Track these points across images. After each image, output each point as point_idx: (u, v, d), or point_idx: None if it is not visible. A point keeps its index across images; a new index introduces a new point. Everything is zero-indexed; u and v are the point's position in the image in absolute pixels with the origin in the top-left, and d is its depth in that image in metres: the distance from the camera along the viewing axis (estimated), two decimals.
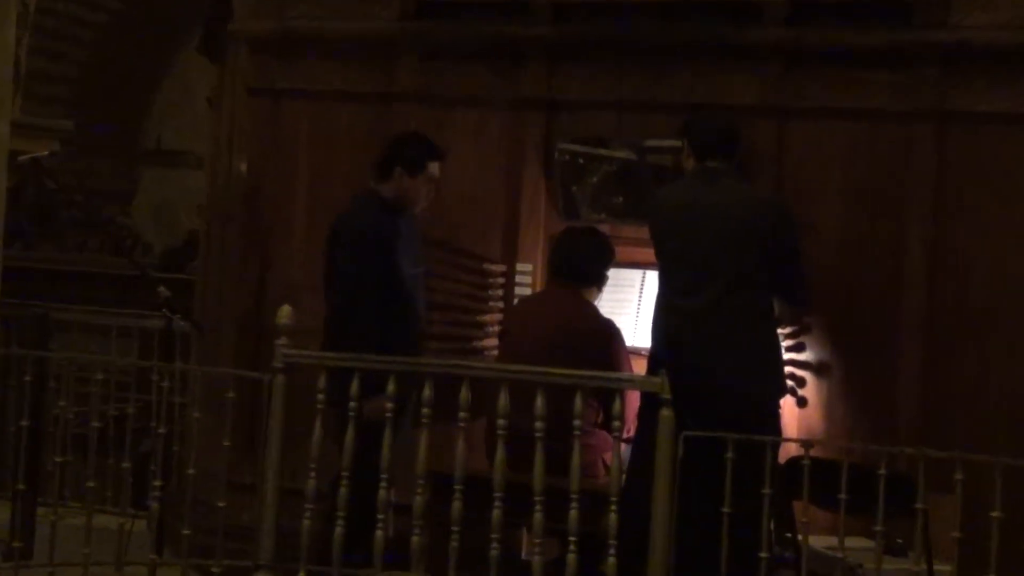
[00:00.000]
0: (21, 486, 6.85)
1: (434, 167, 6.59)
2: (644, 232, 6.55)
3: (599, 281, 6.62)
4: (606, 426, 5.92)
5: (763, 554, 5.35)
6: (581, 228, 6.80)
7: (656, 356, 5.95)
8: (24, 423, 6.69)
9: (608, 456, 5.98)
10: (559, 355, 6.12)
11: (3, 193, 8.78)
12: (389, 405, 5.66)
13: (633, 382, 5.89)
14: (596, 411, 6.07)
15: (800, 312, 6.23)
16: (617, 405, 5.59)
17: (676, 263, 6.01)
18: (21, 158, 11.92)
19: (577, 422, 5.53)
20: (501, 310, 7.01)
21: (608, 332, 6.45)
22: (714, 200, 6.00)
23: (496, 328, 6.92)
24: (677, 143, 6.55)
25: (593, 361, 6.09)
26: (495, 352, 6.77)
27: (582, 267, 6.60)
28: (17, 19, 9.03)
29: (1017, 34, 6.40)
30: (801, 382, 6.47)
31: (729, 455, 5.35)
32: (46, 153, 12.85)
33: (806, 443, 5.43)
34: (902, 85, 6.57)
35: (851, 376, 6.43)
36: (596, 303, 6.60)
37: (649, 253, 6.31)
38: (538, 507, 5.51)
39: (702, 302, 5.89)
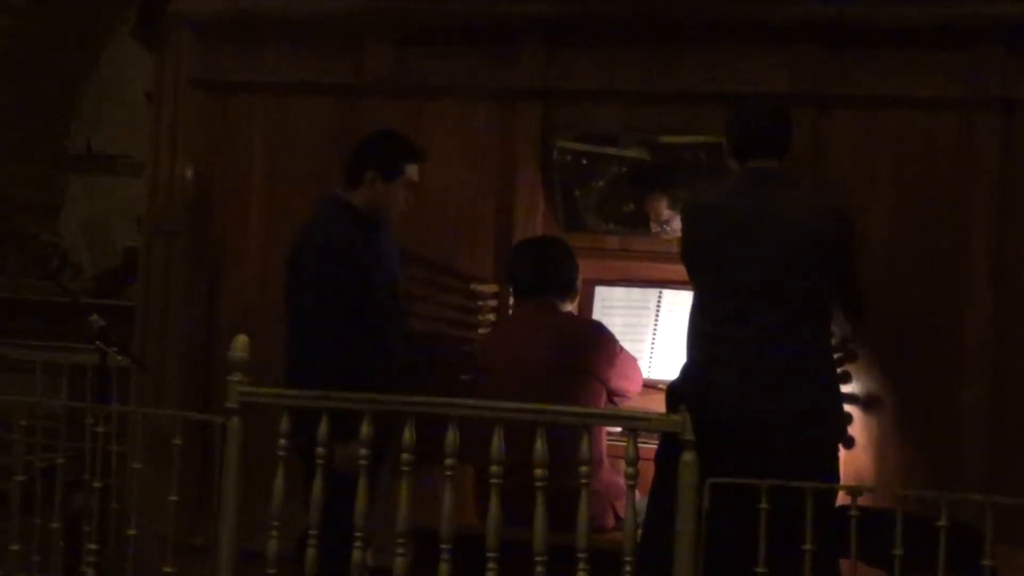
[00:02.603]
0: None
1: (412, 170, 6.61)
2: (659, 245, 6.58)
3: (575, 291, 6.70)
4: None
5: None
6: (538, 239, 6.86)
7: (678, 391, 5.88)
8: None
9: (619, 505, 6.01)
10: (560, 379, 6.24)
11: None
12: (363, 451, 5.69)
13: (650, 421, 5.90)
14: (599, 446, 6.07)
15: (854, 329, 6.15)
16: (631, 449, 5.61)
17: (720, 283, 5.86)
18: None
19: (584, 468, 5.56)
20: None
21: (606, 333, 6.56)
22: (766, 208, 5.86)
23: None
24: (697, 139, 6.59)
25: (598, 368, 6.33)
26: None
27: (559, 278, 6.63)
28: None
29: None
30: (847, 418, 6.48)
31: (762, 506, 5.38)
32: None
33: (854, 490, 5.43)
34: (961, 68, 6.63)
35: (905, 411, 6.48)
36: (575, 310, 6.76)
37: (665, 269, 6.35)
38: (540, 568, 5.54)
39: (756, 330, 5.76)
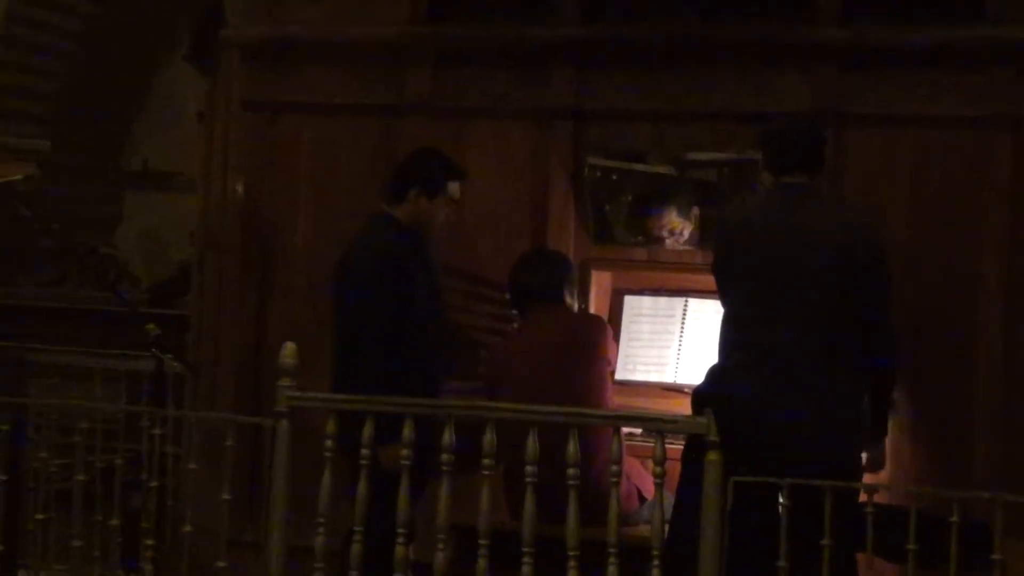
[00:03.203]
0: None
1: (454, 188, 6.63)
2: (685, 256, 6.59)
3: (570, 286, 6.76)
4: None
5: None
6: (535, 251, 6.95)
7: (704, 395, 5.86)
8: (2, 477, 6.76)
9: (642, 485, 6.04)
10: (572, 359, 6.38)
11: None
12: (405, 452, 5.72)
13: (676, 423, 5.91)
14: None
15: (887, 379, 5.93)
16: (659, 449, 5.63)
17: (750, 293, 5.82)
18: None
19: (615, 467, 5.59)
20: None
21: (603, 320, 6.74)
22: (799, 222, 5.81)
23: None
24: (723, 156, 6.60)
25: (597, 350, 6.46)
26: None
27: (550, 281, 6.70)
28: None
29: None
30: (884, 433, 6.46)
31: (782, 502, 5.39)
32: (20, 177, 12.91)
33: (870, 488, 5.45)
34: (975, 88, 6.62)
35: (920, 414, 6.45)
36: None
37: (691, 279, 6.36)
38: (572, 563, 5.56)
39: (786, 339, 5.71)
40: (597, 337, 6.52)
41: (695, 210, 6.90)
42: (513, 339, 6.89)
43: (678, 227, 6.87)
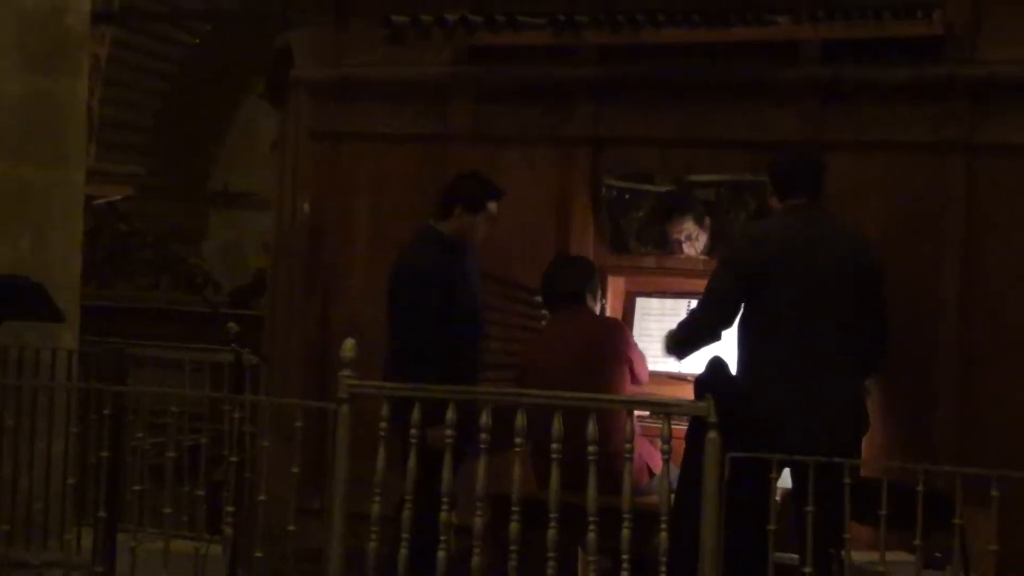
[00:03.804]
0: (102, 514, 6.90)
1: (493, 206, 6.63)
2: (688, 264, 6.57)
3: (595, 290, 6.72)
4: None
5: (807, 569, 5.37)
6: (564, 257, 6.90)
7: (705, 383, 5.84)
8: (104, 454, 6.76)
9: (652, 463, 6.01)
10: (595, 358, 6.31)
11: (80, 236, 8.88)
12: (448, 432, 5.72)
13: (681, 407, 5.90)
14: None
15: (874, 370, 6.02)
16: (666, 429, 5.61)
17: (788, 298, 5.73)
18: (97, 202, 12.04)
19: (628, 445, 5.57)
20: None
21: (623, 326, 6.66)
22: (814, 237, 5.80)
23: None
24: (721, 177, 6.58)
25: (618, 353, 6.38)
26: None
27: (575, 285, 6.67)
28: (89, 71, 9.14)
29: None
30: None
31: (772, 475, 5.37)
32: (120, 197, 12.95)
33: (850, 463, 5.43)
34: (933, 118, 6.58)
35: (890, 399, 6.40)
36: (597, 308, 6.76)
37: (694, 284, 6.31)
38: (592, 527, 5.55)
39: (820, 338, 5.69)
40: (616, 342, 6.48)
41: (706, 220, 6.87)
42: (542, 334, 6.88)
43: (695, 234, 6.84)
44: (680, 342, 6.01)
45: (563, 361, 6.29)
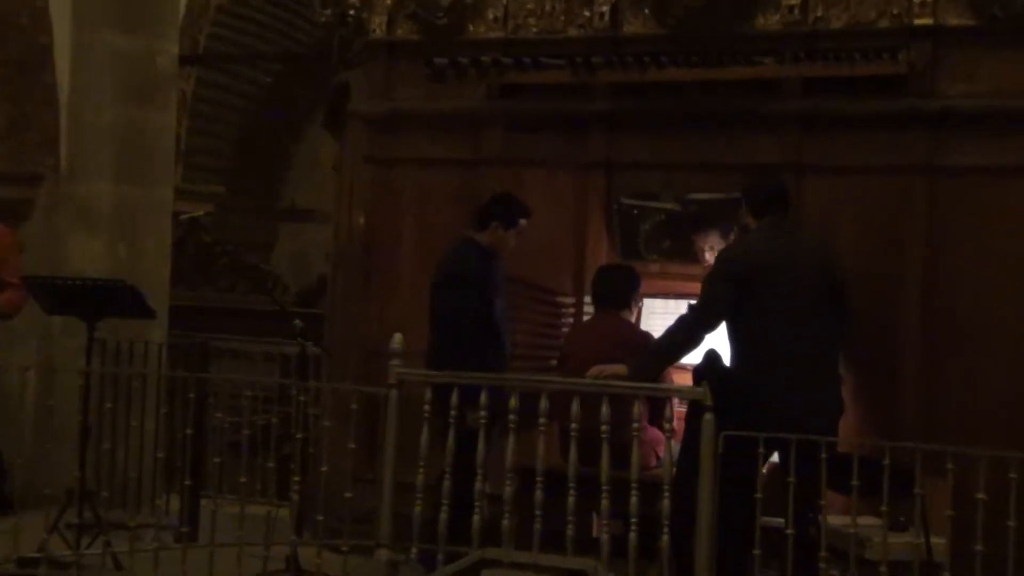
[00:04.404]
0: (187, 482, 6.93)
1: (523, 222, 6.64)
2: (689, 269, 6.56)
3: (631, 302, 6.70)
4: (653, 422, 5.96)
5: (789, 531, 5.36)
6: (613, 264, 6.85)
7: (702, 371, 5.81)
8: (189, 431, 6.78)
9: (659, 449, 6.00)
10: (620, 357, 6.18)
11: (169, 245, 8.92)
12: (483, 413, 5.72)
13: (681, 391, 5.90)
14: (647, 409, 6.05)
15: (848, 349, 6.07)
16: (668, 411, 5.62)
17: (772, 309, 5.77)
18: (183, 217, 12.08)
19: (636, 424, 5.57)
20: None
21: (648, 337, 6.55)
22: (792, 249, 5.86)
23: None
24: (715, 196, 6.56)
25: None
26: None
27: (620, 295, 6.67)
28: (177, 104, 9.18)
29: (993, 101, 6.40)
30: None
31: (760, 451, 5.36)
32: (203, 213, 12.99)
33: (826, 440, 5.42)
34: (899, 145, 6.55)
35: (860, 385, 6.36)
36: (635, 319, 6.73)
37: (692, 287, 6.29)
38: (605, 494, 5.55)
39: (808, 341, 5.73)
40: (640, 348, 6.43)
41: (731, 235, 6.80)
42: (582, 327, 6.89)
43: (717, 245, 6.81)
44: (675, 345, 6.01)
45: (596, 354, 6.27)
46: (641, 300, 6.83)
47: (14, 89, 8.23)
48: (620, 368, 5.75)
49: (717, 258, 6.07)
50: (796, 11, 6.68)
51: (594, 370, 6.03)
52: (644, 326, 6.81)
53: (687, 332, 5.94)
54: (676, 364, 6.36)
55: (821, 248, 5.97)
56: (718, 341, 5.98)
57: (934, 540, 5.48)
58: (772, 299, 5.76)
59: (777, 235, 5.91)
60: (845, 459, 5.41)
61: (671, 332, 6.07)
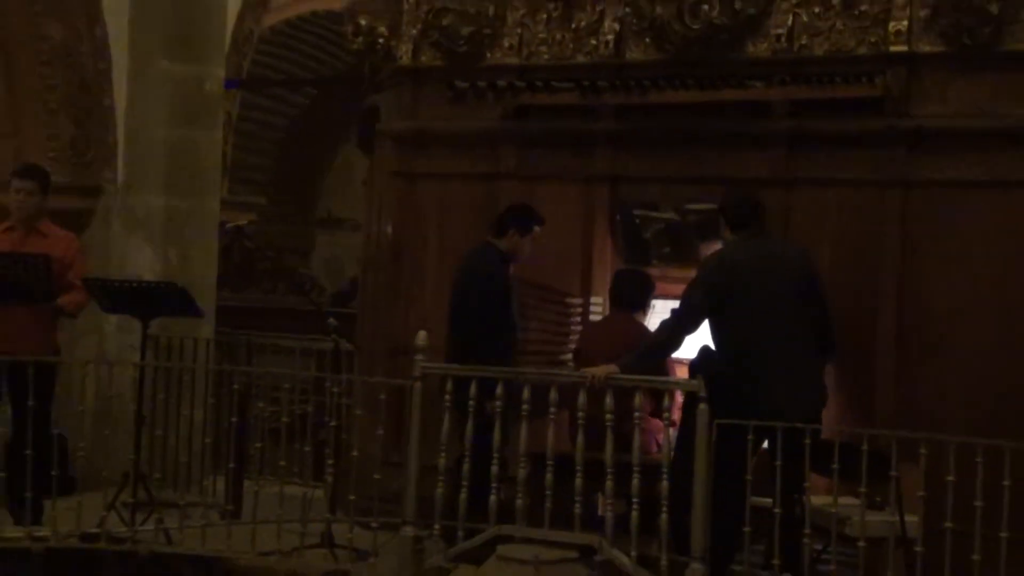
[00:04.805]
0: (232, 465, 6.97)
1: (538, 230, 6.66)
2: (686, 273, 6.55)
3: (646, 306, 6.68)
4: (656, 415, 5.97)
5: (776, 510, 5.37)
6: (631, 269, 6.85)
7: (697, 366, 5.80)
8: (233, 419, 6.82)
9: (659, 437, 6.02)
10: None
11: (215, 251, 8.95)
12: (498, 403, 5.74)
13: (678, 383, 5.91)
14: (651, 403, 6.06)
15: (831, 359, 6.01)
16: (667, 401, 5.63)
17: (746, 311, 5.73)
18: (228, 225, 12.10)
19: (637, 413, 5.59)
20: (577, 334, 7.01)
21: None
22: (766, 256, 5.83)
23: (573, 345, 6.93)
24: (708, 207, 6.55)
25: None
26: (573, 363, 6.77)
27: (635, 298, 6.67)
28: (223, 124, 9.22)
29: (962, 121, 6.37)
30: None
31: (750, 437, 5.36)
32: (246, 222, 13.01)
33: (810, 428, 5.43)
34: (876, 160, 6.52)
35: (842, 379, 6.35)
36: (645, 322, 6.68)
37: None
38: (609, 477, 5.57)
39: (781, 339, 5.69)
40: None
41: None
42: (597, 325, 6.88)
43: None
44: (659, 346, 6.01)
45: (607, 352, 6.27)
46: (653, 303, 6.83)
47: (77, 111, 8.28)
48: (612, 367, 5.74)
49: (698, 268, 6.05)
50: (783, 39, 6.66)
51: (587, 371, 5.99)
52: (648, 325, 6.82)
53: (669, 335, 5.93)
54: (675, 359, 6.37)
55: (798, 257, 5.91)
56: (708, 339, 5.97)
57: (908, 518, 5.49)
58: (748, 303, 5.74)
59: (752, 246, 5.88)
60: (827, 445, 5.42)
61: (655, 335, 6.10)
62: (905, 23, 6.41)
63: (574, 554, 5.43)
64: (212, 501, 7.18)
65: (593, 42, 7.10)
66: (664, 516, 5.47)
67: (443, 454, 5.87)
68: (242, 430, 7.08)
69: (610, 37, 7.04)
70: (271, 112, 15.86)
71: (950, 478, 5.06)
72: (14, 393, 6.47)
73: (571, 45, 7.16)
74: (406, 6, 7.45)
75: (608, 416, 5.57)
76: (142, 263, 8.29)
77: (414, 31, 7.44)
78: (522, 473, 5.72)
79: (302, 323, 9.76)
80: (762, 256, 5.84)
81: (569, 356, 6.86)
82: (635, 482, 5.51)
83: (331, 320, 7.22)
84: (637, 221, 7.03)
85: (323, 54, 15.55)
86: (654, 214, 7.02)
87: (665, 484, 5.50)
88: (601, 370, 5.76)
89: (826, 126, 6.64)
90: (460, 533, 5.77)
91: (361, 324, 8.28)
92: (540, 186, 7.18)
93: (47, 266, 6.58)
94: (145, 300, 6.86)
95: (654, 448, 6.13)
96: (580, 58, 7.13)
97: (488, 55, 7.34)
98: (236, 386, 6.91)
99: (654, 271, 7.00)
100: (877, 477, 5.37)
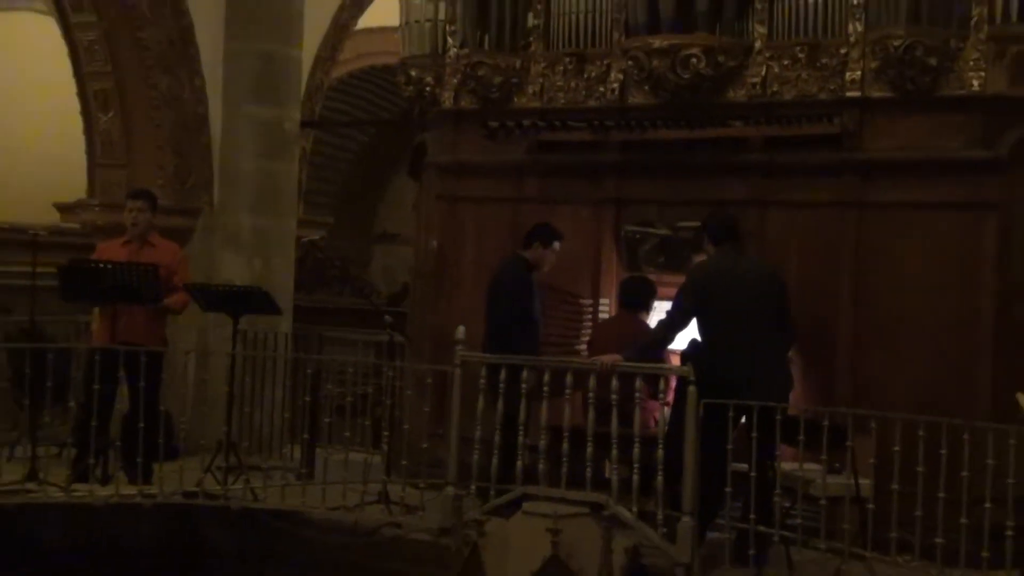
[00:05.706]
0: (306, 435, 7.00)
1: (558, 244, 6.67)
2: (677, 279, 6.54)
3: (649, 307, 6.66)
4: (653, 396, 5.96)
5: (752, 473, 5.35)
6: (637, 276, 6.83)
7: (687, 355, 5.78)
8: (307, 398, 6.84)
9: (656, 414, 6.01)
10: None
11: (293, 261, 8.98)
12: (524, 386, 5.74)
13: (671, 370, 5.89)
14: (649, 386, 6.04)
15: (791, 343, 6.04)
16: (663, 384, 5.60)
17: (724, 312, 5.72)
18: (303, 240, 12.13)
19: (638, 395, 5.57)
20: (589, 328, 7.01)
21: None
22: (744, 269, 5.83)
23: (586, 339, 6.94)
24: (698, 224, 6.53)
25: None
26: (586, 353, 6.74)
27: (639, 300, 6.65)
28: (299, 157, 9.26)
29: (907, 154, 6.33)
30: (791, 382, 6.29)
31: (731, 414, 5.33)
32: (318, 237, 13.02)
33: (780, 406, 5.41)
34: (836, 186, 6.48)
35: (806, 370, 6.30)
36: (648, 320, 6.65)
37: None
38: (614, 446, 5.56)
39: (751, 334, 5.67)
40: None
41: None
42: (607, 322, 6.85)
43: None
44: (655, 342, 5.99)
45: (615, 343, 6.24)
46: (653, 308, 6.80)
47: (180, 146, 8.33)
48: (617, 357, 5.73)
49: (686, 275, 6.04)
50: (758, 87, 6.64)
51: (597, 359, 5.95)
52: (649, 323, 6.79)
53: (663, 332, 5.93)
54: (669, 350, 6.35)
55: (768, 269, 5.94)
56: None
57: (862, 481, 5.47)
58: (724, 306, 5.75)
59: (729, 259, 5.89)
60: (794, 420, 5.41)
61: (653, 332, 6.09)
62: (859, 73, 6.38)
63: (586, 510, 5.42)
64: (290, 465, 7.21)
65: (601, 89, 7.09)
66: (660, 479, 5.46)
67: (478, 428, 5.87)
68: (314, 407, 7.10)
69: (615, 85, 7.03)
70: (338, 148, 15.92)
71: (896, 448, 5.05)
72: (130, 377, 6.52)
73: (583, 91, 7.15)
74: (448, 60, 7.47)
75: (614, 396, 5.56)
76: (233, 271, 8.32)
77: (455, 81, 7.45)
78: (543, 443, 5.72)
79: (363, 320, 9.78)
80: (738, 268, 5.86)
81: (583, 347, 6.84)
82: (636, 451, 5.51)
83: (387, 317, 7.24)
84: (637, 236, 7.02)
85: (380, 100, 15.58)
86: (651, 230, 7.02)
87: (661, 453, 5.49)
88: (609, 359, 5.75)
89: (794, 158, 6.60)
90: (492, 492, 5.78)
91: (411, 321, 8.28)
92: (558, 208, 7.16)
93: (155, 274, 6.62)
94: (235, 301, 6.90)
95: (652, 423, 6.12)
96: (591, 102, 7.12)
97: (515, 100, 7.34)
98: (309, 371, 6.92)
99: (650, 278, 6.98)
100: (836, 447, 5.35)
